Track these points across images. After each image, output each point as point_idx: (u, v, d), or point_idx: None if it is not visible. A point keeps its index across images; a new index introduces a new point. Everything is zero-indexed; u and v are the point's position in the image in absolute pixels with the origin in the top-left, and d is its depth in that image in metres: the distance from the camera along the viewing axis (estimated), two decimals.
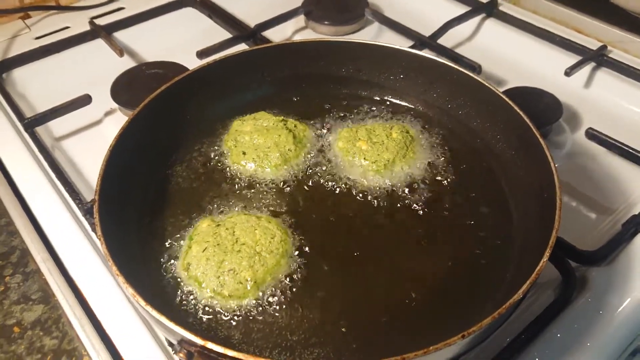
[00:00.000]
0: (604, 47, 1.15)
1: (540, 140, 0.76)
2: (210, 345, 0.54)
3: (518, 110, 0.80)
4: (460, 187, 0.84)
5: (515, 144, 0.83)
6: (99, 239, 0.64)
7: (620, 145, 0.95)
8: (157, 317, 0.56)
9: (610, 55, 1.14)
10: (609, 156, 0.98)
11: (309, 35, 1.31)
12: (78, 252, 0.81)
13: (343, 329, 0.68)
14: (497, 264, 0.74)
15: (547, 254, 0.61)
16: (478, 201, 0.82)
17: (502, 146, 0.86)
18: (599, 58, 1.13)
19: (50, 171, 0.92)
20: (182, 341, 0.56)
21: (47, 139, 1.02)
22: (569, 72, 1.08)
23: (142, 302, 0.57)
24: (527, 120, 0.79)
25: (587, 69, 1.13)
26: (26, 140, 1.00)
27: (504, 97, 0.83)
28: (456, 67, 0.91)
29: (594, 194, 0.93)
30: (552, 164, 0.72)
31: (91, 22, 1.27)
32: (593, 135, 0.97)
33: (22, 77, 1.17)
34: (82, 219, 0.86)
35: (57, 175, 0.90)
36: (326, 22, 1.30)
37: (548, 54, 1.19)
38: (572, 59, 1.13)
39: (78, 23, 1.29)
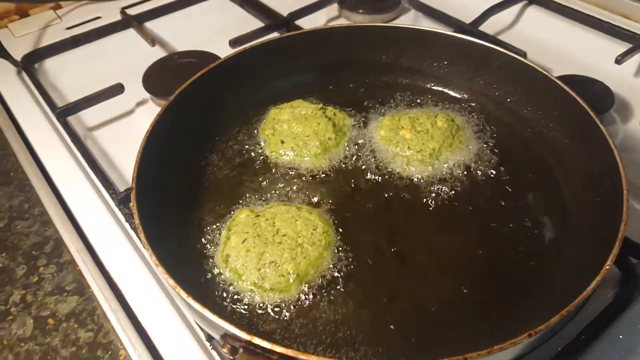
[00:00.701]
0: None
1: (601, 126, 0.71)
2: (256, 340, 0.50)
3: (575, 96, 0.76)
4: (511, 178, 0.79)
5: (570, 132, 0.79)
6: (137, 227, 0.62)
7: None
8: (200, 310, 0.53)
9: None
10: None
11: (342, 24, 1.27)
12: (112, 242, 0.79)
13: (391, 326, 0.64)
14: (554, 260, 0.70)
15: (617, 246, 0.56)
16: (530, 192, 0.78)
17: (555, 134, 0.82)
18: None
19: (83, 161, 0.90)
20: (226, 335, 0.53)
21: (79, 128, 1.00)
22: (620, 60, 1.02)
23: (184, 294, 0.55)
24: (586, 106, 0.74)
25: (638, 56, 1.07)
26: (58, 129, 0.98)
27: (559, 82, 0.79)
28: (504, 51, 0.86)
29: None
30: (615, 151, 0.67)
31: (122, 12, 1.25)
32: None
33: (54, 67, 1.16)
34: (116, 209, 0.83)
35: (90, 165, 0.88)
36: (360, 11, 1.26)
37: (595, 41, 1.13)
38: (620, 46, 1.07)
39: (109, 13, 1.28)
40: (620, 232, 0.59)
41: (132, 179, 0.67)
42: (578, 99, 0.75)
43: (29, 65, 1.13)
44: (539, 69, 0.81)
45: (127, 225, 0.81)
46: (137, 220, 0.62)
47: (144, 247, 0.61)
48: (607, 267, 0.54)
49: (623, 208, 0.61)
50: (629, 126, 0.97)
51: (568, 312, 0.52)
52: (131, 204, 0.64)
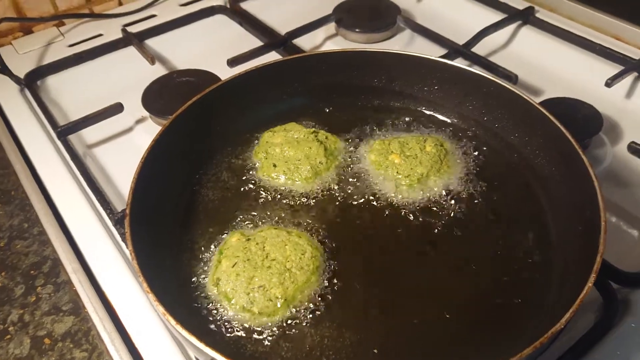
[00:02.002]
0: None
1: (582, 155, 0.72)
2: None
3: (557, 123, 0.77)
4: (497, 204, 0.81)
5: (555, 159, 0.80)
6: (131, 254, 0.64)
7: None
8: (187, 336, 0.56)
9: None
10: None
11: (339, 42, 1.30)
12: (108, 263, 0.81)
13: (375, 350, 0.66)
14: (536, 287, 0.71)
15: (591, 280, 0.58)
16: (515, 219, 0.79)
17: (541, 161, 0.83)
18: None
19: (82, 180, 0.92)
20: None
21: (79, 146, 1.03)
22: (610, 83, 1.04)
23: (173, 321, 0.57)
24: (567, 134, 0.76)
25: (629, 79, 1.08)
26: (59, 148, 1.00)
27: (542, 109, 0.80)
28: (491, 78, 0.88)
29: (637, 210, 0.89)
30: (595, 182, 0.69)
31: (123, 30, 1.28)
32: (635, 149, 0.93)
33: (56, 85, 1.19)
34: (113, 228, 0.86)
35: (89, 184, 0.91)
36: (357, 30, 1.28)
37: (587, 63, 1.15)
38: (613, 68, 1.09)
39: (111, 30, 1.31)
40: (596, 264, 0.60)
41: (127, 204, 0.70)
42: (560, 126, 0.77)
43: (32, 82, 1.16)
44: (523, 96, 0.83)
45: (123, 245, 0.83)
46: (130, 247, 0.64)
47: (137, 273, 0.63)
48: (579, 301, 0.56)
49: (600, 240, 0.63)
50: (617, 149, 0.99)
51: (541, 343, 0.54)
52: (125, 230, 0.67)
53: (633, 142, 0.94)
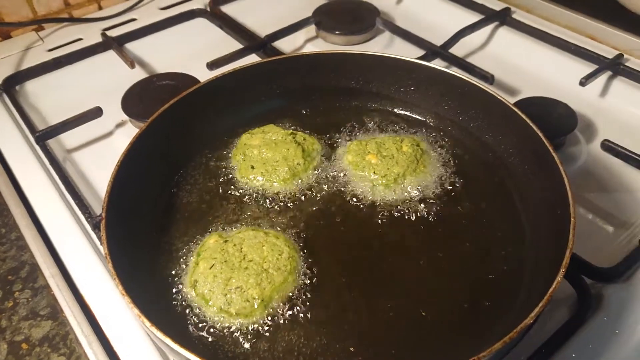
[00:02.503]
0: (620, 55, 1.12)
1: (554, 154, 0.74)
2: None
3: (530, 123, 0.79)
4: (471, 202, 0.82)
5: (528, 157, 0.82)
6: (106, 257, 0.64)
7: (637, 157, 0.93)
8: (162, 338, 0.56)
9: (627, 64, 1.11)
10: (625, 168, 0.95)
11: (319, 45, 1.31)
12: (87, 267, 0.81)
13: (351, 348, 0.67)
14: (509, 282, 0.72)
15: (560, 275, 0.59)
16: (489, 216, 0.81)
17: (514, 160, 0.85)
18: (615, 67, 1.10)
19: (61, 184, 0.92)
20: None
21: (58, 151, 1.03)
22: (584, 82, 1.06)
23: (148, 323, 0.57)
24: (540, 133, 0.77)
25: (602, 78, 1.11)
26: (38, 153, 1.00)
27: (515, 109, 0.82)
28: (466, 78, 0.89)
29: (610, 207, 0.91)
30: (566, 180, 0.70)
31: (103, 34, 1.28)
32: (609, 147, 0.95)
33: (35, 90, 1.18)
34: (92, 233, 0.86)
35: (67, 189, 0.90)
36: (337, 32, 1.29)
37: (562, 62, 1.17)
38: (587, 67, 1.11)
39: (90, 35, 1.30)
40: (565, 259, 0.62)
41: (102, 208, 0.70)
42: (533, 125, 0.78)
43: (10, 87, 1.15)
44: (497, 96, 0.84)
45: (102, 249, 0.83)
46: (105, 250, 0.64)
47: (112, 276, 0.63)
48: (548, 297, 0.57)
49: (569, 236, 0.64)
50: (592, 147, 1.01)
51: (510, 338, 0.55)
52: (101, 233, 0.67)
53: (606, 139, 0.96)
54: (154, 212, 0.81)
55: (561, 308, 0.76)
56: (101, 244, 0.82)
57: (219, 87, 0.92)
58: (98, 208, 0.89)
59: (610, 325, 0.72)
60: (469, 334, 0.68)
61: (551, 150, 0.74)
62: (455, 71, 0.92)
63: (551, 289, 0.58)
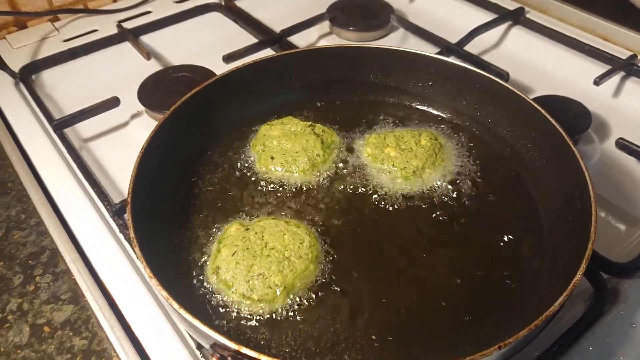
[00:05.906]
0: (634, 56, 1.13)
1: (573, 148, 0.75)
2: (244, 350, 0.53)
3: (550, 118, 0.80)
4: (489, 196, 0.83)
5: (546, 152, 0.82)
6: (132, 241, 0.65)
7: None
8: (191, 320, 0.56)
9: None
10: (638, 166, 0.96)
11: (333, 40, 1.31)
12: (106, 252, 0.81)
13: (373, 337, 0.67)
14: (528, 275, 0.73)
15: (583, 266, 0.60)
16: (507, 210, 0.81)
17: (532, 155, 0.86)
18: (629, 67, 1.11)
19: (79, 172, 0.93)
20: (215, 345, 0.56)
21: (75, 140, 1.03)
22: (598, 82, 1.07)
23: (176, 306, 0.58)
24: (560, 129, 0.78)
25: (616, 78, 1.12)
26: (55, 141, 1.01)
27: (535, 104, 0.83)
28: (485, 74, 0.90)
29: (624, 204, 0.92)
30: (587, 175, 0.71)
31: (119, 26, 1.28)
32: (623, 145, 0.95)
33: (51, 79, 1.19)
34: (110, 220, 0.86)
35: (86, 176, 0.91)
36: (351, 28, 1.30)
37: (576, 62, 1.18)
38: (600, 67, 1.12)
39: (106, 26, 1.31)
40: (587, 251, 0.62)
41: (128, 193, 0.70)
42: (553, 121, 0.79)
43: (27, 76, 1.16)
44: (517, 92, 0.85)
45: (121, 236, 0.84)
46: (132, 234, 0.65)
47: (138, 259, 0.64)
48: (572, 286, 0.58)
49: (591, 228, 0.64)
50: (605, 145, 1.02)
51: (536, 325, 0.56)
52: (127, 217, 0.67)
53: (621, 138, 0.96)
54: (176, 200, 0.82)
55: (578, 303, 0.77)
56: (121, 232, 0.83)
57: (238, 78, 0.93)
58: (116, 196, 0.90)
59: (627, 319, 0.73)
60: (489, 323, 0.68)
61: (572, 146, 0.75)
62: (472, 67, 0.93)
63: (575, 278, 0.59)
